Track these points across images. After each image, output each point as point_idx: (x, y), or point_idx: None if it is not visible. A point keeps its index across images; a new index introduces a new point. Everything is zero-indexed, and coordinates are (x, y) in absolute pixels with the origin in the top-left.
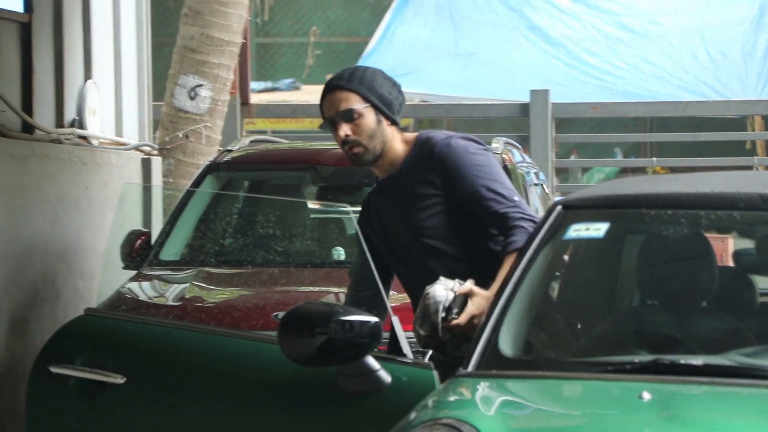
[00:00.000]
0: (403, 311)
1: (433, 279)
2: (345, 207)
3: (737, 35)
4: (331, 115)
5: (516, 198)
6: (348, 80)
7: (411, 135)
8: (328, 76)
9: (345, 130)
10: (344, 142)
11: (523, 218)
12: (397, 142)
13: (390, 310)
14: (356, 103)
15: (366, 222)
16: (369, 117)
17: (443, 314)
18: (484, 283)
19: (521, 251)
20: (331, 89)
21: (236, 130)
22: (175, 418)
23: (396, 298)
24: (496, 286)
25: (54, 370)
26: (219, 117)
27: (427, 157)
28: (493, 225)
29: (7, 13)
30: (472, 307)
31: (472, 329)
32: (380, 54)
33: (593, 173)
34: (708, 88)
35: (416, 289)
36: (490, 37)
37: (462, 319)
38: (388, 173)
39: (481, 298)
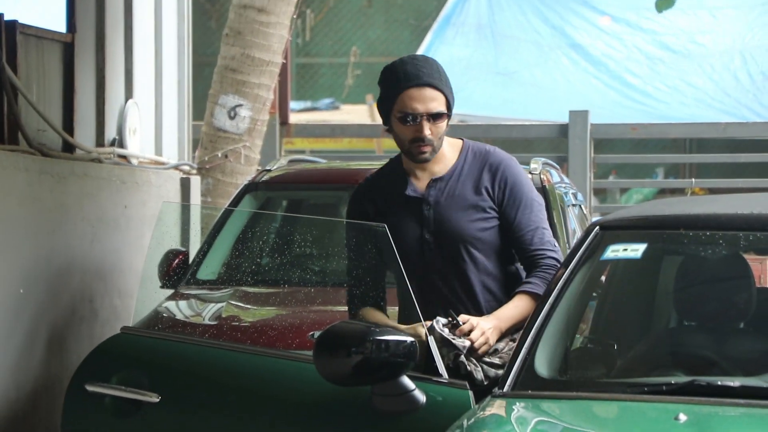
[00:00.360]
0: None
1: (464, 291)
2: (382, 227)
3: None
4: (418, 111)
5: (556, 246)
6: (439, 79)
7: (454, 139)
8: (369, 97)
9: (429, 129)
10: (419, 140)
11: (554, 266)
12: (445, 143)
13: (426, 329)
14: (443, 105)
15: (375, 215)
16: (445, 120)
17: (448, 323)
18: None
19: (534, 296)
20: (421, 84)
21: (275, 149)
22: None
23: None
24: (495, 315)
25: (90, 388)
26: (258, 137)
27: (490, 171)
28: (522, 259)
29: (50, 33)
30: (475, 319)
31: (485, 343)
32: None
33: (632, 194)
34: (749, 111)
35: (430, 293)
36: (531, 55)
37: (473, 320)
38: (430, 173)
39: (476, 319)
